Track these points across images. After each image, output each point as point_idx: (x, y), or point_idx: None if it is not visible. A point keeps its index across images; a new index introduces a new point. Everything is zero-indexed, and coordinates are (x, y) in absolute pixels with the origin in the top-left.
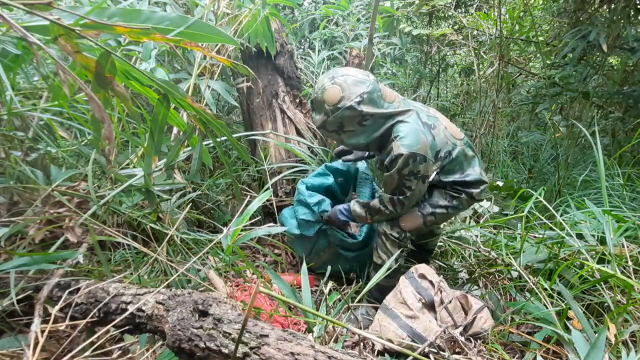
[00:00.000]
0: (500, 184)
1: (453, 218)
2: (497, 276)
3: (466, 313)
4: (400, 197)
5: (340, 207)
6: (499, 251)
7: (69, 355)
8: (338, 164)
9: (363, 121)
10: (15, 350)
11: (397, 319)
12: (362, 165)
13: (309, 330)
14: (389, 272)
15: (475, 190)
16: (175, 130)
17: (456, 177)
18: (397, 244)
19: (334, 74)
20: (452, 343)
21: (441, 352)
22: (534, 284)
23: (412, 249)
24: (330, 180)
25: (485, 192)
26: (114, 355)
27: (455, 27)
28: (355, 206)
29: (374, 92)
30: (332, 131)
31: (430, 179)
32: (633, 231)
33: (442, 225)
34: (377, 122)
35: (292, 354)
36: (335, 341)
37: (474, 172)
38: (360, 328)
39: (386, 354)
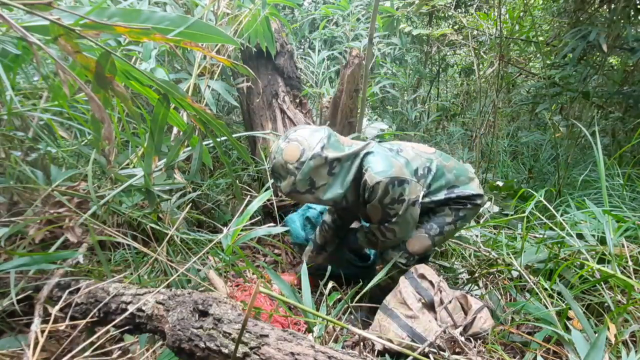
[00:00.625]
0: (500, 184)
1: None
2: (497, 276)
3: (466, 313)
4: (387, 225)
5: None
6: (499, 251)
7: (69, 355)
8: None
9: (332, 169)
10: (15, 350)
11: (397, 319)
12: None
13: (309, 330)
14: (387, 275)
15: (479, 201)
16: (175, 130)
17: (454, 192)
18: (403, 271)
19: (285, 134)
20: (452, 343)
21: (441, 352)
22: (534, 284)
23: None
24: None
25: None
26: (114, 355)
27: (455, 27)
28: (359, 234)
29: (331, 137)
30: (304, 192)
31: (420, 199)
32: (633, 231)
33: None
34: (344, 165)
35: (292, 354)
36: (335, 341)
37: (470, 189)
38: (360, 328)
39: (386, 354)
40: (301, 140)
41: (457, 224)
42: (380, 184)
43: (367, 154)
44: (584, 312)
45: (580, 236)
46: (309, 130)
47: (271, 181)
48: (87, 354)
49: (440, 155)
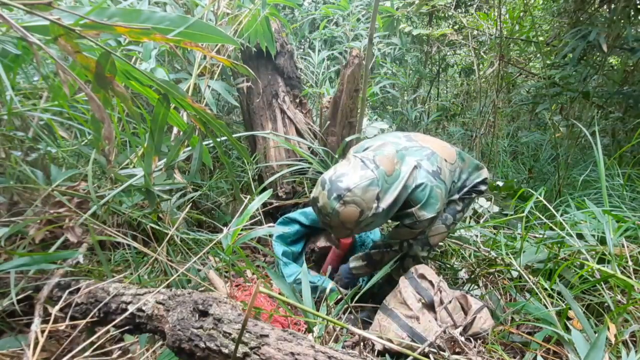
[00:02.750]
0: (500, 184)
1: None
2: (497, 276)
3: (466, 313)
4: (411, 242)
5: (343, 270)
6: (499, 251)
7: (69, 355)
8: (296, 214)
9: (385, 214)
10: (15, 350)
11: (397, 319)
12: None
13: (309, 330)
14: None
15: (484, 187)
16: (175, 130)
17: (466, 187)
18: (422, 263)
19: (336, 191)
20: (452, 343)
21: (441, 352)
22: (534, 284)
23: None
24: (296, 226)
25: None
26: (114, 355)
27: (455, 27)
28: (353, 263)
29: (383, 182)
30: (355, 233)
31: None
32: (633, 231)
33: None
34: (393, 203)
35: (292, 354)
36: (336, 341)
37: (476, 177)
38: (361, 328)
39: (386, 354)
40: (358, 202)
41: (465, 209)
42: (428, 218)
43: (416, 187)
44: (584, 312)
45: (580, 236)
46: (362, 184)
47: (269, 180)
48: (87, 354)
49: (459, 155)
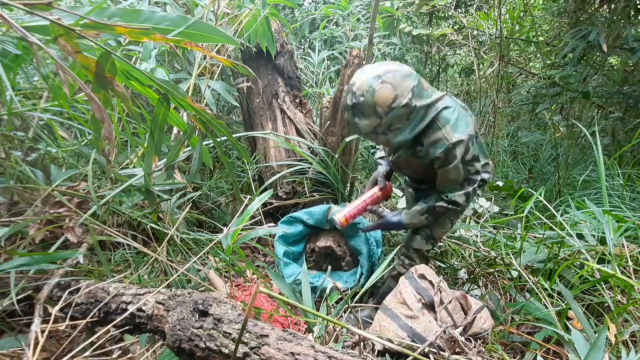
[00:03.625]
0: (500, 184)
1: None
2: (497, 276)
3: (466, 313)
4: (472, 187)
5: (389, 217)
6: (498, 251)
7: (69, 355)
8: (300, 213)
9: (410, 115)
10: (15, 350)
11: (397, 319)
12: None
13: (309, 330)
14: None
15: (486, 175)
16: (175, 130)
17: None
18: (427, 258)
19: (377, 71)
20: (452, 343)
21: (441, 352)
22: (534, 284)
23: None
24: (299, 226)
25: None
26: (114, 355)
27: (455, 27)
28: (410, 219)
29: (419, 83)
30: (381, 132)
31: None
32: (633, 231)
33: None
34: (419, 113)
35: (292, 354)
36: (336, 341)
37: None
38: (361, 328)
39: (386, 354)
40: (395, 84)
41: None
42: (463, 141)
43: (445, 108)
44: (584, 312)
45: (580, 236)
46: (401, 72)
47: (270, 180)
48: (87, 354)
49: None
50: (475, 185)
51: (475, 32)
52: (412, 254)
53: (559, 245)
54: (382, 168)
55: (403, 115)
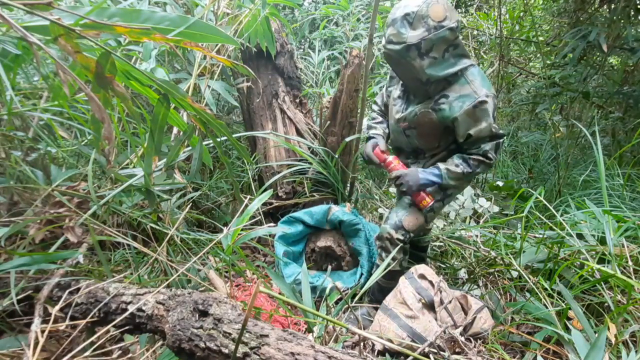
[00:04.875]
0: (500, 184)
1: (453, 217)
2: (497, 276)
3: (466, 313)
4: (502, 139)
5: (425, 172)
6: (498, 251)
7: (69, 355)
8: (301, 214)
9: (447, 50)
10: (15, 350)
11: (397, 319)
12: (343, 214)
13: (309, 330)
14: (386, 271)
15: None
16: (175, 130)
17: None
18: (402, 248)
19: None
20: (452, 343)
21: (441, 352)
22: (534, 284)
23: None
24: (299, 227)
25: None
26: (114, 355)
27: None
28: (452, 168)
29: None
30: (420, 53)
31: None
32: (633, 231)
33: (442, 225)
34: (452, 57)
35: (292, 354)
36: (335, 341)
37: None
38: (361, 328)
39: (386, 354)
40: (447, 7)
41: (445, 200)
42: (490, 97)
43: (472, 65)
44: (584, 312)
45: (580, 236)
46: (450, 4)
47: (270, 181)
48: (87, 354)
49: None
50: (502, 139)
51: (475, 32)
52: (386, 245)
53: (559, 245)
54: (377, 141)
55: (446, 40)
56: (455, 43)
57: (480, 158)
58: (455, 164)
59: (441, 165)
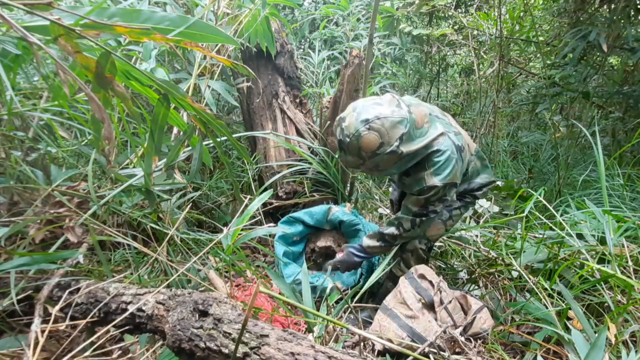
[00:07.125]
0: (500, 184)
1: None
2: (497, 276)
3: (466, 313)
4: (423, 219)
5: (351, 249)
6: (499, 251)
7: (69, 355)
8: (301, 214)
9: (396, 161)
10: (15, 350)
11: (397, 319)
12: (343, 214)
13: (309, 330)
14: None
15: (478, 193)
16: (175, 130)
17: (464, 186)
18: (423, 258)
19: (366, 115)
20: (452, 343)
21: (441, 352)
22: (534, 284)
23: None
24: (299, 227)
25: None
26: (114, 355)
27: (455, 27)
28: (367, 242)
29: (411, 128)
30: (366, 169)
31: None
32: (633, 231)
33: None
34: (407, 157)
35: (292, 354)
36: (336, 341)
37: (480, 179)
38: (361, 328)
39: (386, 354)
40: (383, 133)
41: (462, 209)
42: (437, 187)
43: (436, 152)
44: (584, 312)
45: (580, 236)
46: (392, 119)
47: (270, 180)
48: (87, 354)
49: (477, 154)
50: (428, 219)
51: (475, 32)
52: (406, 256)
53: (559, 245)
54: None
55: (388, 160)
56: (403, 153)
57: (395, 232)
58: (375, 237)
59: (363, 241)
